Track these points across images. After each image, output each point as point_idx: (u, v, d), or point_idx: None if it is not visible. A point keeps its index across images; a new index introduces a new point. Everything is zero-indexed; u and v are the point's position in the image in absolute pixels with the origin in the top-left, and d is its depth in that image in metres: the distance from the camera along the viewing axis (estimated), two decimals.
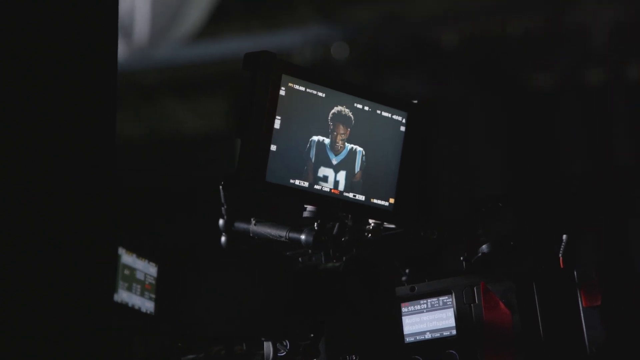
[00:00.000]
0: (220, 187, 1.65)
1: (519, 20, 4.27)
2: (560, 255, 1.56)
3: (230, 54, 4.69)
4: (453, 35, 4.37)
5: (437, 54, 4.41)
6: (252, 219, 1.64)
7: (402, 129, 1.63)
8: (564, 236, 1.57)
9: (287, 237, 1.59)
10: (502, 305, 1.51)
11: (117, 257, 1.37)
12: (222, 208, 1.66)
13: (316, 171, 1.55)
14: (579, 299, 1.48)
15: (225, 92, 5.08)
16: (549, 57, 4.30)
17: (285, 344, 1.59)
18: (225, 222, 1.66)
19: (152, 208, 4.42)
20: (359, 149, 1.59)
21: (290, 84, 1.52)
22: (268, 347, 1.59)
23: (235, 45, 4.64)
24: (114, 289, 1.36)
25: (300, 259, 1.58)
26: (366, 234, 1.66)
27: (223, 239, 1.67)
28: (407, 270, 1.73)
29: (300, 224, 1.59)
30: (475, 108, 4.38)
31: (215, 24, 4.50)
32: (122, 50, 3.96)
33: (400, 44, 4.42)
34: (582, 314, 1.48)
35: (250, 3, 4.59)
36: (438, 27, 4.40)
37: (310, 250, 1.63)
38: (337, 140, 1.57)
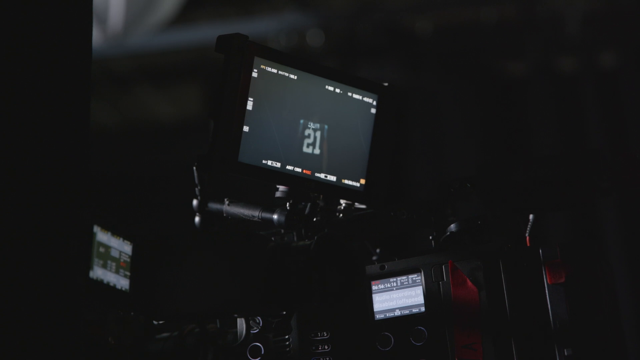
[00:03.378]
0: (194, 168, 1.67)
1: (493, 9, 4.31)
2: (527, 234, 1.59)
3: (204, 41, 4.70)
4: (427, 23, 4.40)
5: (412, 42, 4.44)
6: (225, 199, 1.67)
7: (373, 111, 1.66)
8: (531, 216, 1.60)
9: (260, 217, 1.62)
10: (469, 282, 1.55)
11: (92, 235, 1.40)
12: (196, 189, 1.69)
13: (288, 152, 1.58)
14: (544, 276, 1.52)
15: (199, 79, 5.09)
16: (522, 45, 4.34)
17: (257, 320, 1.62)
18: (199, 203, 1.69)
19: (127, 193, 4.43)
20: (330, 130, 1.62)
21: (262, 66, 1.54)
22: (241, 324, 1.62)
23: (209, 32, 4.64)
24: (89, 266, 1.38)
25: (272, 238, 1.60)
26: (337, 214, 1.69)
27: (197, 219, 1.70)
28: (377, 250, 1.77)
29: (272, 204, 1.62)
30: (449, 95, 4.42)
31: (190, 11, 4.50)
32: (97, 37, 3.96)
33: (375, 32, 4.44)
34: (546, 291, 1.51)
35: None
36: (412, 16, 4.43)
37: (282, 230, 1.67)
38: (309, 122, 1.60)
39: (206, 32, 4.63)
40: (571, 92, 4.29)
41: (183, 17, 4.52)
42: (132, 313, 1.57)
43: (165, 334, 1.70)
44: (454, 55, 4.45)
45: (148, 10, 4.18)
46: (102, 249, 1.42)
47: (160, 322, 1.61)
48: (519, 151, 4.18)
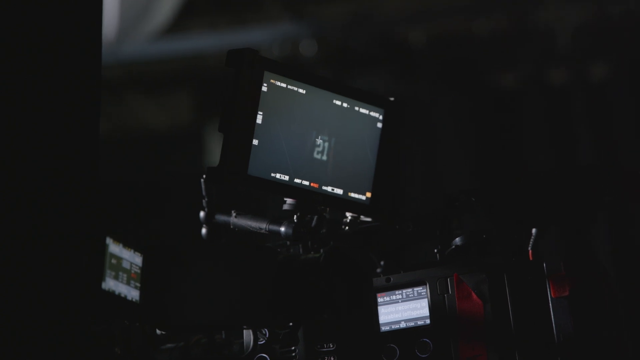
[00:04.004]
0: (202, 180, 1.69)
1: (485, 21, 4.34)
2: (529, 248, 1.62)
3: (197, 50, 4.72)
4: (421, 34, 4.43)
5: (405, 53, 4.47)
6: (232, 211, 1.69)
7: (379, 125, 1.69)
8: (533, 230, 1.63)
9: (267, 229, 1.64)
10: (474, 295, 1.57)
11: (104, 246, 1.41)
12: (203, 200, 1.71)
13: (296, 165, 1.60)
14: (548, 290, 1.54)
15: (192, 88, 5.10)
16: (514, 57, 4.38)
17: (264, 332, 1.64)
18: (206, 215, 1.71)
19: (120, 202, 4.44)
20: (337, 144, 1.64)
21: (272, 81, 1.56)
22: (248, 335, 1.64)
23: (202, 41, 4.66)
24: (102, 277, 1.40)
25: (279, 250, 1.62)
26: (343, 226, 1.71)
27: (204, 230, 1.71)
28: (381, 262, 1.79)
29: (279, 217, 1.64)
30: (441, 106, 4.45)
31: (183, 20, 4.52)
32: None
33: (368, 43, 4.47)
34: (550, 304, 1.54)
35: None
36: (406, 27, 4.46)
37: (287, 242, 1.69)
38: (316, 135, 1.62)
39: (199, 42, 4.65)
40: (562, 103, 4.32)
41: (176, 26, 4.53)
42: (137, 324, 1.59)
43: (170, 345, 1.72)
44: (446, 66, 4.48)
45: (141, 18, 4.19)
46: (114, 261, 1.43)
47: (165, 332, 1.63)
48: (510, 161, 4.21)
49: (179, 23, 4.52)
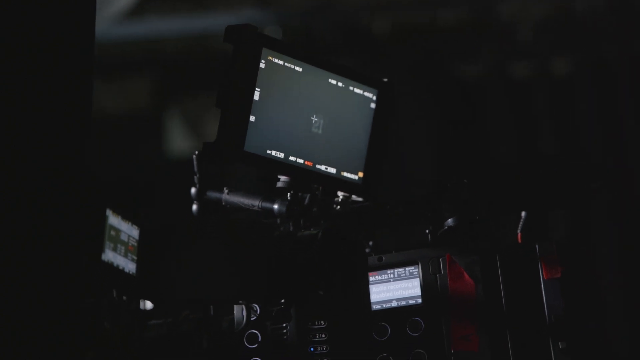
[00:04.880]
0: (194, 156, 1.69)
1: (449, 11, 4.37)
2: (519, 231, 1.64)
3: (158, 35, 4.68)
4: (385, 23, 4.45)
5: (368, 41, 4.48)
6: (224, 188, 1.69)
7: (373, 105, 1.70)
8: (523, 213, 1.65)
9: (260, 207, 1.64)
10: (466, 276, 1.59)
11: (104, 218, 1.41)
12: (195, 177, 1.70)
13: (291, 143, 1.60)
14: (540, 271, 1.57)
15: (151, 73, 5.06)
16: (478, 49, 4.41)
17: (255, 308, 1.64)
18: (197, 191, 1.70)
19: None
20: (331, 123, 1.64)
21: (269, 57, 1.56)
22: (239, 311, 1.64)
23: (163, 26, 4.62)
24: (102, 249, 1.39)
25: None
26: (335, 205, 1.72)
27: (195, 207, 1.71)
28: (370, 243, 1.80)
29: (273, 194, 1.64)
30: (404, 95, 4.46)
31: (144, 4, 4.48)
32: None
33: (332, 30, 4.47)
34: (542, 286, 1.56)
35: None
36: (370, 15, 4.47)
37: (278, 220, 1.69)
38: (312, 114, 1.62)
39: (160, 26, 4.61)
40: (525, 96, 4.37)
41: (137, 10, 4.49)
42: (124, 298, 1.57)
43: (158, 321, 1.71)
44: (410, 56, 4.50)
45: (102, 2, 4.15)
46: (113, 232, 1.42)
47: (157, 306, 1.62)
48: (474, 152, 4.24)
49: (140, 7, 4.48)
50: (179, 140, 4.42)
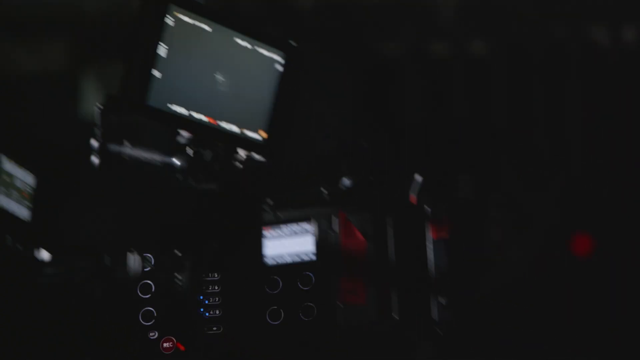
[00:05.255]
0: (96, 108, 1.69)
1: None
2: (412, 193, 1.68)
3: None
4: None
5: (290, 14, 4.48)
6: (125, 142, 1.69)
7: (279, 67, 1.72)
8: (417, 176, 1.69)
9: (161, 161, 1.65)
10: (358, 233, 1.63)
11: None
12: (95, 129, 1.70)
13: (195, 100, 1.61)
14: (429, 232, 1.61)
15: (64, 33, 4.99)
16: (397, 28, 4.45)
17: (149, 258, 1.65)
18: (99, 144, 1.70)
19: None
20: (237, 82, 1.66)
21: (178, 15, 1.57)
22: (133, 261, 1.65)
23: None
24: None
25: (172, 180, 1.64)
26: (236, 162, 1.74)
27: (95, 159, 1.71)
28: (268, 200, 1.82)
29: (174, 149, 1.66)
30: (323, 70, 4.48)
31: None
32: None
33: (254, 2, 4.47)
34: (430, 245, 1.61)
35: None
36: None
37: (180, 176, 1.70)
38: (217, 73, 1.64)
39: None
40: (443, 76, 4.41)
41: None
42: (24, 244, 1.57)
43: (51, 270, 1.71)
44: (331, 31, 4.52)
45: None
46: (6, 178, 1.43)
47: (52, 254, 1.62)
48: (390, 127, 4.28)
49: None
50: (94, 102, 4.38)
